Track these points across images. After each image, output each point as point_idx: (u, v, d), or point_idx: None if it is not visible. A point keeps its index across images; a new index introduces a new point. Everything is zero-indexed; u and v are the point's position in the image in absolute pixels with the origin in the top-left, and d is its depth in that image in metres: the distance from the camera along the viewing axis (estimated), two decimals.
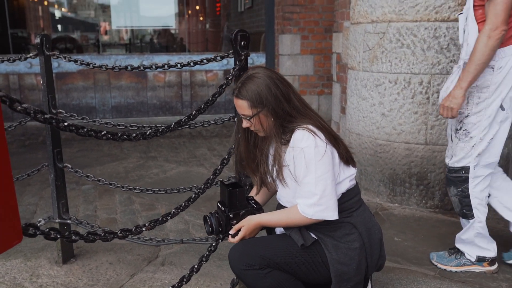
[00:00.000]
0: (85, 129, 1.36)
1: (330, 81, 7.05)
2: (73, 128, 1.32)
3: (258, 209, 2.02)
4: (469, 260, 2.67)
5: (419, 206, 3.62)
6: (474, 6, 2.44)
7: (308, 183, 1.82)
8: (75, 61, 2.62)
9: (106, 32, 10.93)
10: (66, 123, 1.31)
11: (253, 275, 1.90)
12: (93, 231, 1.44)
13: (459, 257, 2.70)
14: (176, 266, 2.80)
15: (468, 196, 2.59)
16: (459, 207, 2.65)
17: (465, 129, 2.55)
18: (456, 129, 2.61)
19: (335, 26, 5.43)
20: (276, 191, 2.10)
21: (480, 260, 2.66)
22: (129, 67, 2.53)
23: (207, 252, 2.06)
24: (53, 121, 1.26)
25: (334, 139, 1.90)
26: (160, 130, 1.70)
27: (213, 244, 2.07)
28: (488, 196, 2.67)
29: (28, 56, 2.69)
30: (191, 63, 2.40)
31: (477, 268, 2.67)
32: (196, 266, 1.98)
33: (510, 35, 2.40)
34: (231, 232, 1.97)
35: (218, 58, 2.41)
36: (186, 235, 3.25)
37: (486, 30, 2.34)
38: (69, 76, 7.35)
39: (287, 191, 1.97)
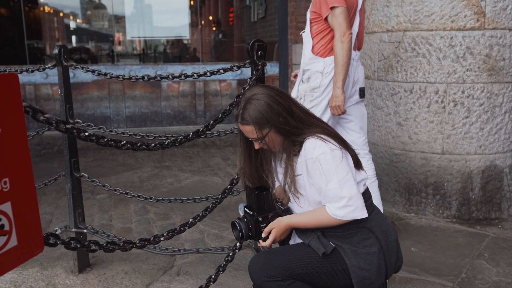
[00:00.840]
0: (105, 139, 1.36)
1: None
2: (94, 138, 1.33)
3: (286, 210, 2.00)
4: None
5: (435, 216, 3.58)
6: (310, 23, 2.98)
7: (333, 189, 1.81)
8: (93, 71, 2.64)
9: (120, 43, 11.03)
10: (87, 133, 1.31)
11: (275, 286, 1.89)
12: (112, 241, 1.44)
13: None
14: (191, 276, 2.79)
15: None
16: None
17: None
18: None
19: None
20: None
21: None
22: (145, 77, 2.54)
23: (224, 262, 2.05)
24: (75, 131, 1.27)
25: (343, 144, 1.91)
26: (179, 139, 1.70)
27: (230, 254, 2.06)
28: None
29: (47, 66, 2.72)
30: (208, 73, 2.41)
31: None
32: (213, 276, 1.97)
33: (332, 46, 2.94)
34: (263, 235, 1.95)
35: (235, 68, 2.41)
36: (201, 245, 3.24)
37: (338, 38, 2.83)
38: (84, 86, 7.42)
39: (301, 201, 1.96)
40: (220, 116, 1.95)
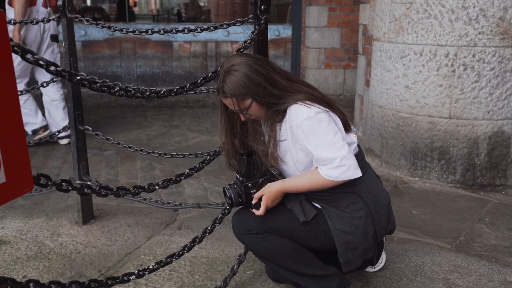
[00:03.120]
0: (98, 84, 1.37)
1: (356, 55, 6.93)
2: (86, 82, 1.33)
3: (278, 174, 1.97)
4: (27, 132, 4.40)
5: (439, 180, 3.57)
6: None
7: (323, 151, 1.78)
8: (96, 24, 2.62)
9: (135, 4, 10.95)
10: (78, 77, 1.32)
11: (251, 239, 1.92)
12: (105, 186, 1.47)
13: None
14: (192, 230, 2.84)
15: None
16: None
17: None
18: None
19: None
20: None
21: (34, 132, 4.49)
22: (149, 31, 2.52)
23: (220, 215, 2.07)
24: (66, 74, 1.28)
25: (330, 106, 1.86)
26: (175, 90, 1.70)
27: (227, 207, 2.08)
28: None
29: (51, 18, 2.71)
30: (211, 27, 2.39)
31: (44, 136, 3.81)
32: (209, 228, 2.00)
33: None
34: (253, 201, 1.92)
35: (238, 23, 2.39)
36: (204, 201, 3.28)
37: None
38: (96, 45, 7.41)
39: (286, 167, 1.96)
40: (218, 69, 1.94)
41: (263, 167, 1.96)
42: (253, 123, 1.97)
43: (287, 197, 1.96)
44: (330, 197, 1.90)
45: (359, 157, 1.96)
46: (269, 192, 1.90)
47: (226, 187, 1.98)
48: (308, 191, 1.91)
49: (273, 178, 1.97)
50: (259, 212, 1.91)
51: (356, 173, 1.81)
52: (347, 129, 1.92)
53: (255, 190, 1.94)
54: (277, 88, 1.82)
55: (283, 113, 1.86)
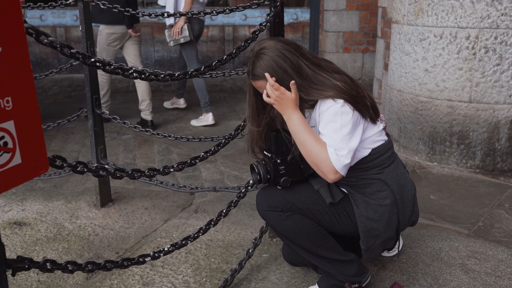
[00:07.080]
0: (112, 66, 1.37)
1: (375, 39, 6.83)
2: (100, 64, 1.33)
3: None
4: None
5: (458, 165, 3.52)
6: None
7: (336, 142, 1.74)
8: (112, 7, 2.63)
9: None
10: (92, 59, 1.32)
11: (275, 216, 1.91)
12: (120, 168, 1.48)
13: None
14: (208, 213, 2.85)
15: None
16: None
17: None
18: None
19: None
20: None
21: None
22: (165, 14, 2.52)
23: (235, 198, 2.08)
24: (80, 56, 1.28)
25: (356, 98, 1.78)
26: (189, 72, 1.70)
27: (242, 190, 2.08)
28: None
29: (67, 2, 2.72)
30: (227, 10, 2.37)
31: None
32: (224, 211, 2.01)
33: None
34: (267, 87, 1.79)
35: (254, 5, 2.37)
36: (221, 185, 3.29)
37: None
38: None
39: None
40: (234, 51, 1.93)
41: (291, 145, 1.92)
42: None
43: (314, 177, 1.94)
44: (357, 183, 1.88)
45: (388, 146, 1.92)
46: (285, 95, 1.78)
47: (254, 164, 1.95)
48: (299, 145, 1.82)
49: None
50: (269, 81, 1.80)
51: (340, 169, 1.73)
52: (375, 119, 1.87)
53: (284, 167, 1.91)
54: (302, 77, 1.79)
55: (311, 103, 1.84)
